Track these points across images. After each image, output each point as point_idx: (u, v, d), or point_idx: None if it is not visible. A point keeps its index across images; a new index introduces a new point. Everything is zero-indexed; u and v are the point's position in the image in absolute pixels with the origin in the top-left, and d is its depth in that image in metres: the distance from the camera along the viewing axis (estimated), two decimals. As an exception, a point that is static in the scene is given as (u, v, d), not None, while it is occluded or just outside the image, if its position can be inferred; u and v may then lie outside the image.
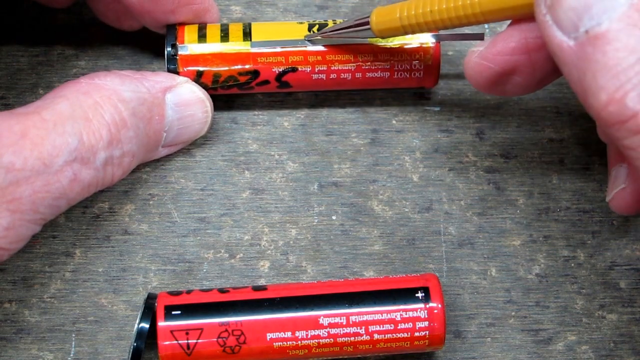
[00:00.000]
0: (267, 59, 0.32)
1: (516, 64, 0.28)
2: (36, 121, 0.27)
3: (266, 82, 0.32)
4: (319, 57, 0.32)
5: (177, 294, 0.30)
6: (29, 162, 0.26)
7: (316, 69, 0.32)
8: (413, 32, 0.29)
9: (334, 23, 0.32)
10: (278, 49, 0.32)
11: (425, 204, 0.33)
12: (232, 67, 0.32)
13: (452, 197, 0.33)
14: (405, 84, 0.33)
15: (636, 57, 0.22)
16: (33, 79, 0.34)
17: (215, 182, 0.33)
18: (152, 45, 0.33)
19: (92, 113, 0.28)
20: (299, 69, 0.32)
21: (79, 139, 0.27)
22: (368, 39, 0.31)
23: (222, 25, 0.32)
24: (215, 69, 0.31)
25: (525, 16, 0.27)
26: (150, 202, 0.33)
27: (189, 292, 0.30)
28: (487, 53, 0.28)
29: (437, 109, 0.34)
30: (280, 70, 0.32)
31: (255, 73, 0.32)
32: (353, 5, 0.35)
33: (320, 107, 0.34)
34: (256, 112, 0.34)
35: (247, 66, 0.32)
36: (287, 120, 0.34)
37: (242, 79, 0.32)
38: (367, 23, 0.30)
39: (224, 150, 0.33)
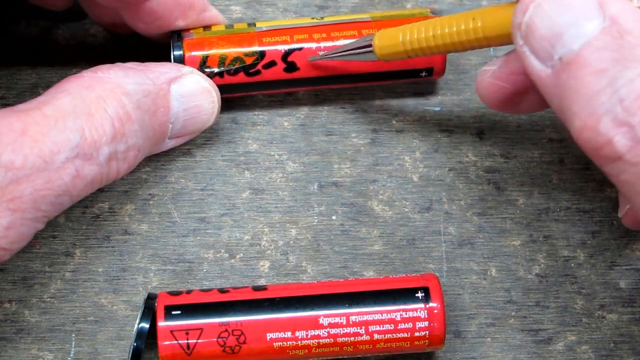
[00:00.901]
0: (272, 38, 0.31)
1: (531, 83, 0.27)
2: (37, 117, 0.26)
3: (272, 63, 0.32)
4: (324, 35, 0.32)
5: (177, 294, 0.30)
6: (29, 159, 0.26)
7: (322, 46, 0.32)
8: (416, 56, 0.29)
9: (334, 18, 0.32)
10: (283, 28, 0.32)
11: (425, 204, 0.33)
12: (238, 48, 0.31)
13: (452, 197, 0.33)
14: (413, 61, 0.32)
15: (607, 80, 0.21)
16: (33, 79, 0.34)
17: (215, 182, 0.33)
18: (154, 44, 0.33)
19: (95, 107, 0.27)
20: (305, 46, 0.32)
21: (81, 134, 0.27)
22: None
23: (226, 25, 0.32)
24: (221, 50, 0.31)
25: None
26: (150, 202, 0.33)
27: (189, 292, 0.30)
28: (500, 73, 0.28)
29: (437, 109, 0.34)
30: (286, 48, 0.32)
31: (261, 53, 0.32)
32: (353, 5, 0.35)
33: (320, 107, 0.34)
34: (256, 112, 0.34)
35: (252, 46, 0.31)
36: (287, 120, 0.34)
37: (249, 60, 0.32)
38: (370, 46, 0.30)
39: (224, 150, 0.33)
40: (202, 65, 0.31)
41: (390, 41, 0.29)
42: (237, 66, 0.31)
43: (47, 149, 0.26)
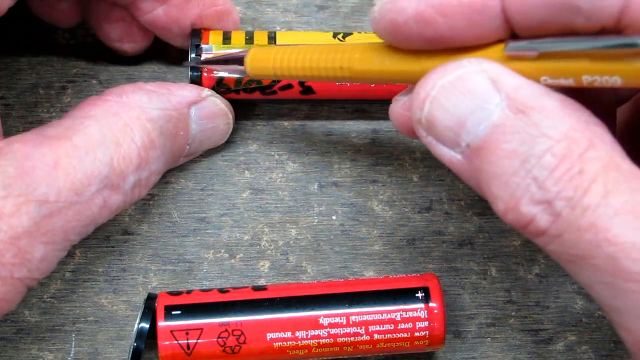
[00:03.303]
0: None
1: None
2: (68, 148, 0.26)
3: (289, 86, 0.32)
4: None
5: (177, 294, 0.30)
6: (62, 193, 0.26)
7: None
8: (285, 79, 0.29)
9: (358, 33, 0.32)
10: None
11: (425, 204, 0.33)
12: None
13: (452, 197, 0.33)
14: None
15: (520, 160, 0.21)
16: (33, 79, 0.34)
17: (215, 182, 0.33)
18: (151, 45, 0.33)
19: (122, 137, 0.27)
20: None
21: (110, 165, 0.27)
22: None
23: (246, 32, 0.32)
24: None
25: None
26: (150, 202, 0.33)
27: (189, 292, 0.30)
28: (409, 104, 0.27)
29: (437, 109, 0.34)
30: None
31: None
32: (353, 5, 0.35)
33: (320, 107, 0.34)
34: (256, 112, 0.34)
35: None
36: (287, 120, 0.34)
37: (266, 81, 0.32)
38: (242, 61, 0.29)
39: (224, 150, 0.33)
40: (219, 83, 0.31)
41: (261, 63, 0.28)
42: (253, 86, 0.31)
43: (78, 182, 0.26)
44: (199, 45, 0.31)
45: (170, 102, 0.29)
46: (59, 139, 0.26)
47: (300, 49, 0.27)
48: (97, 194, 0.26)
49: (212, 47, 0.31)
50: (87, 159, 0.26)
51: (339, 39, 0.32)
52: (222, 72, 0.31)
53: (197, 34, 0.32)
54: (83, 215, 0.26)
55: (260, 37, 0.32)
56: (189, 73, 0.31)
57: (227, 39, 0.32)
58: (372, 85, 0.32)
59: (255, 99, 0.32)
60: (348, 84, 0.32)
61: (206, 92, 0.31)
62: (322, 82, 0.27)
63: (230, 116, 0.32)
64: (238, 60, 0.29)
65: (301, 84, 0.32)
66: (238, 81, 0.31)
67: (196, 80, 0.31)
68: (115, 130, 0.27)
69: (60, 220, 0.26)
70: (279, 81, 0.31)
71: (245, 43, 0.32)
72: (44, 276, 0.26)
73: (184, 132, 0.30)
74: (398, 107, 0.27)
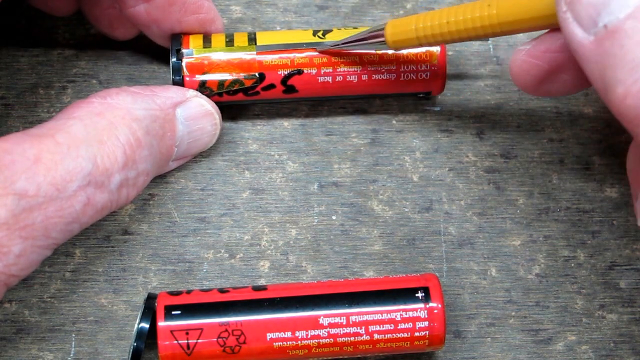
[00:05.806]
0: (272, 61, 0.31)
1: (564, 61, 0.28)
2: (50, 145, 0.26)
3: (272, 86, 0.32)
4: (325, 59, 0.32)
5: (177, 294, 0.30)
6: (42, 188, 0.26)
7: (322, 71, 0.32)
8: (429, 44, 0.29)
9: (337, 30, 0.32)
10: (283, 51, 0.32)
11: (425, 204, 0.33)
12: (238, 71, 0.31)
13: (452, 197, 0.33)
14: (412, 87, 0.32)
15: None
16: (33, 79, 0.34)
17: (215, 182, 0.33)
18: (151, 45, 0.33)
19: (107, 135, 0.27)
20: (305, 71, 0.32)
21: (93, 162, 0.27)
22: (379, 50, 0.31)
23: (227, 34, 0.32)
24: (220, 73, 0.31)
25: (546, 27, 0.27)
26: (150, 202, 0.33)
27: (189, 292, 0.30)
28: (534, 51, 0.28)
29: (437, 109, 0.34)
30: (286, 72, 0.32)
31: (260, 76, 0.32)
32: (353, 5, 0.35)
33: (320, 107, 0.34)
34: (256, 112, 0.34)
35: (252, 70, 0.31)
36: (287, 120, 0.34)
37: (248, 82, 0.32)
38: (382, 35, 0.30)
39: (224, 150, 0.33)
40: (202, 86, 0.31)
41: (402, 28, 0.29)
42: (236, 88, 0.32)
43: (59, 177, 0.26)
44: (180, 49, 0.31)
45: (155, 102, 0.30)
46: (42, 137, 0.26)
47: (444, 9, 0.28)
48: (80, 191, 0.26)
49: (193, 51, 0.31)
50: (69, 155, 0.26)
51: (318, 36, 0.32)
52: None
53: (177, 38, 0.32)
54: (65, 212, 0.26)
55: (240, 37, 0.32)
56: (172, 77, 0.31)
57: (207, 42, 0.32)
58: (354, 81, 0.32)
59: (238, 101, 0.32)
60: (330, 80, 0.32)
61: (191, 92, 0.31)
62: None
63: (217, 117, 0.32)
64: (375, 36, 0.30)
65: (284, 83, 0.32)
66: (221, 84, 0.31)
67: (179, 84, 0.31)
68: (99, 128, 0.27)
69: (40, 215, 0.26)
70: (262, 81, 0.31)
71: (226, 45, 0.32)
72: (24, 274, 0.26)
73: (170, 133, 0.30)
74: (521, 54, 0.28)
